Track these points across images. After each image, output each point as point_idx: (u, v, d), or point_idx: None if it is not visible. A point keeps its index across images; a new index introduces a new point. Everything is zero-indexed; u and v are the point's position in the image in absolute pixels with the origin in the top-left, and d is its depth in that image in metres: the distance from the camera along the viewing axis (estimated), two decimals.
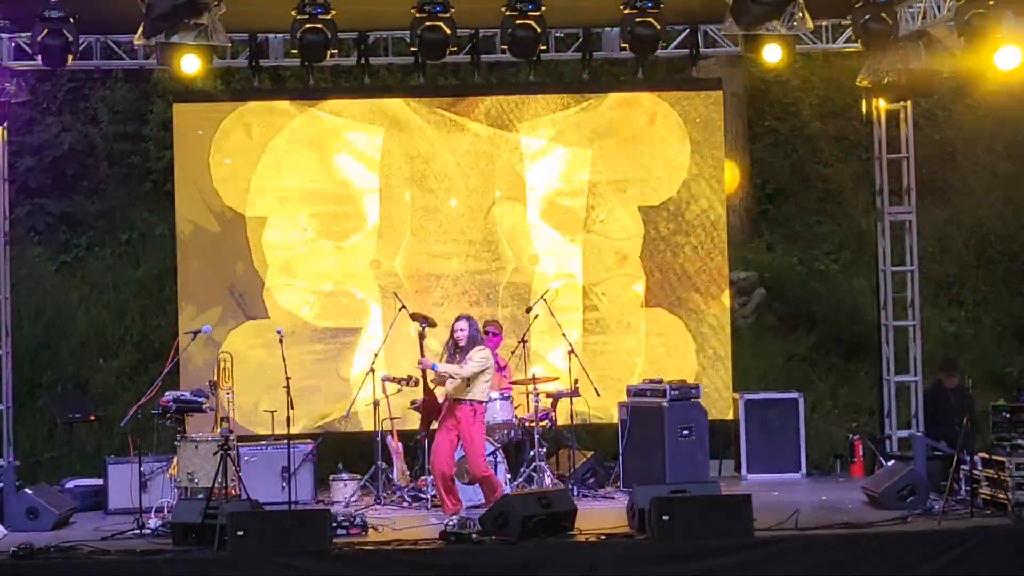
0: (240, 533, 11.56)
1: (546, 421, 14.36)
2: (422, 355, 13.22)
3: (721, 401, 15.80)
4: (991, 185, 19.98)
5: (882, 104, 15.30)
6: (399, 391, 14.59)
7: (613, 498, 14.14)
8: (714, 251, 16.00)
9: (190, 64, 13.01)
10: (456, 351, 13.00)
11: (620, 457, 14.67)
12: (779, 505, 13.00)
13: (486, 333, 14.49)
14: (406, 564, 11.76)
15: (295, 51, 13.56)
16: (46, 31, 13.01)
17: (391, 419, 14.53)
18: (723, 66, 18.65)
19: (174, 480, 13.31)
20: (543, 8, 13.28)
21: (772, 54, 13.50)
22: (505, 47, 13.66)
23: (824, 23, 14.69)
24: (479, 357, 12.90)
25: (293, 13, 13.23)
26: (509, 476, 13.82)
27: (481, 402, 13.00)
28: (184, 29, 12.79)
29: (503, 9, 13.34)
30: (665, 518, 11.75)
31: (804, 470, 15.31)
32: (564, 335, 14.59)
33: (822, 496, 14.07)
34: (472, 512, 12.71)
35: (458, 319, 13.12)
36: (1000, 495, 12.69)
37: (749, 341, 17.97)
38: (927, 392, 14.90)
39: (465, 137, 16.01)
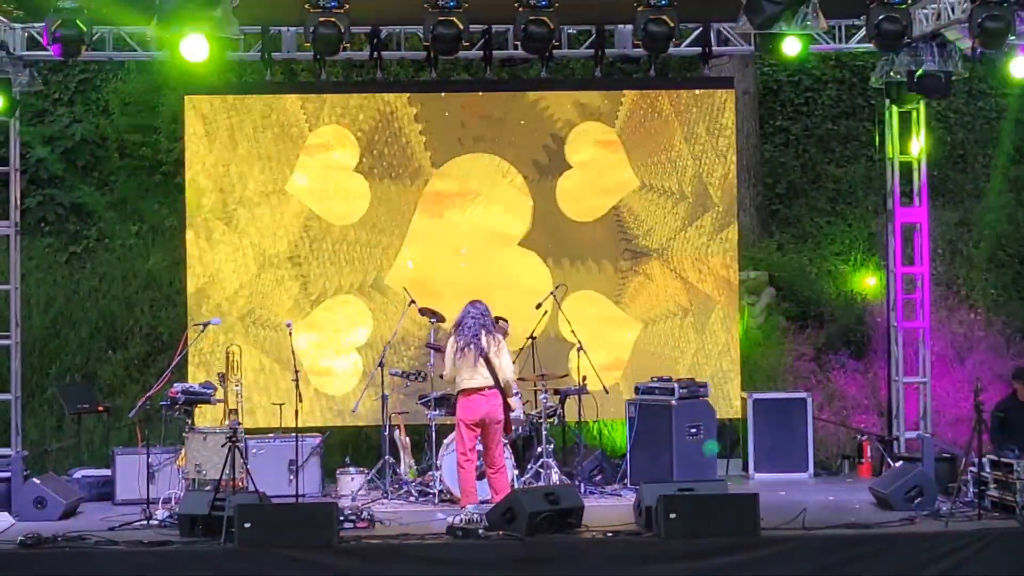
0: (247, 525, 11.56)
1: (554, 418, 14.35)
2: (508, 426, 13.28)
3: (729, 400, 15.78)
4: (1002, 188, 19.95)
5: (894, 105, 15.29)
6: (407, 386, 14.58)
7: (620, 495, 14.13)
8: (724, 250, 15.96)
9: (192, 50, 13.00)
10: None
11: (628, 454, 14.65)
12: (786, 505, 12.97)
13: None
14: (412, 558, 11.76)
15: (308, 45, 13.56)
16: (59, 22, 13.02)
17: (399, 413, 14.54)
18: (736, 65, 18.64)
19: (182, 471, 13.33)
20: (556, 4, 13.27)
21: (791, 48, 13.53)
22: (518, 43, 13.66)
23: (838, 23, 14.69)
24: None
25: (306, 7, 13.23)
26: (517, 472, 13.81)
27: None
28: (198, 21, 12.79)
29: (516, 5, 13.33)
30: (672, 516, 11.73)
31: (811, 470, 15.28)
32: (573, 331, 14.57)
33: (829, 496, 14.04)
34: (480, 507, 12.72)
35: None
36: (1008, 497, 12.66)
37: (758, 340, 17.96)
38: (1000, 402, 14.52)
39: None
